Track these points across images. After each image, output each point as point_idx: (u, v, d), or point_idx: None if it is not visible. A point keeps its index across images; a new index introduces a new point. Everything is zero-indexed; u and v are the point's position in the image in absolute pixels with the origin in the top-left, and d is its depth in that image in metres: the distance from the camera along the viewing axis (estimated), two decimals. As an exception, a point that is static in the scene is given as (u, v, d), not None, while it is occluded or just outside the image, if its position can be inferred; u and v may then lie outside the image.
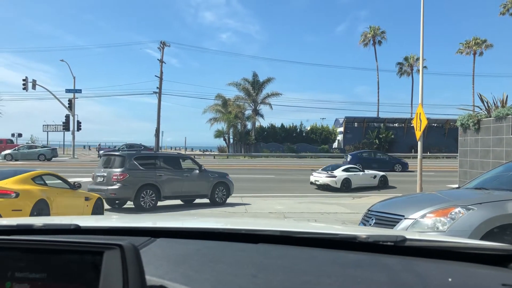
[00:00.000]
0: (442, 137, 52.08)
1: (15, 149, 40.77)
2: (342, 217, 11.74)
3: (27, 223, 1.54)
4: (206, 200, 14.49)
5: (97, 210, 10.54)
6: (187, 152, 55.21)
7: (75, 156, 44.89)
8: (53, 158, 39.67)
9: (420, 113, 17.67)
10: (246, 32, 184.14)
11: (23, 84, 40.75)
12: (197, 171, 14.37)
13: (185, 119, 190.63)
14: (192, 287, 1.04)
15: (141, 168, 13.08)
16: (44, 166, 32.21)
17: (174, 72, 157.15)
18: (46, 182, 9.20)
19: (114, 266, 0.94)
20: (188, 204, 14.53)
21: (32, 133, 64.13)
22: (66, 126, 46.06)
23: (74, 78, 45.75)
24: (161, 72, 53.02)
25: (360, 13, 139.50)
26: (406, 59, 64.12)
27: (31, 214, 7.95)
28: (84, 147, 70.24)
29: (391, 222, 4.64)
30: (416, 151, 50.45)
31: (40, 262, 1.00)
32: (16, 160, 37.42)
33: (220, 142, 56.61)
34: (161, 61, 53.64)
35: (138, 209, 12.59)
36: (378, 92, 62.81)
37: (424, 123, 17.28)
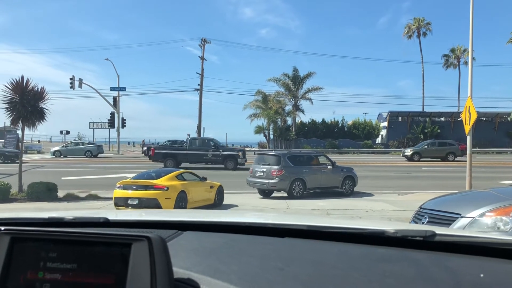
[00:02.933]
0: (492, 131, 49.78)
1: (63, 146, 42.37)
2: (388, 214, 11.34)
3: (58, 216, 1.60)
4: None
5: (219, 194, 13.45)
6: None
7: (120, 153, 46.07)
8: (99, 155, 40.85)
9: (469, 106, 16.88)
10: (285, 27, 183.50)
11: (70, 83, 42.15)
12: (331, 167, 16.52)
13: (226, 116, 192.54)
14: (219, 279, 1.05)
15: (292, 165, 15.62)
16: (90, 162, 33.25)
17: (214, 69, 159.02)
18: (184, 177, 12.43)
19: (142, 257, 0.96)
20: (322, 195, 15.88)
21: (79, 130, 66.53)
22: (111, 123, 47.13)
23: (118, 76, 46.87)
24: (202, 69, 53.56)
25: (402, 4, 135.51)
26: (452, 50, 61.66)
27: (176, 201, 11.25)
28: (129, 143, 72.05)
29: (447, 220, 4.37)
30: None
31: (71, 253, 1.03)
32: (65, 156, 38.76)
33: (260, 138, 56.57)
34: (202, 58, 54.17)
35: (290, 197, 15.07)
36: (423, 85, 60.80)
37: (474, 116, 16.48)
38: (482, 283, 1.09)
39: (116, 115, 45.94)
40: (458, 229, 3.90)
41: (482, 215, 4.21)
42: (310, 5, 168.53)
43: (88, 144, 43.05)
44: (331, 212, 11.77)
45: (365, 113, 62.00)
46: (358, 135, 53.17)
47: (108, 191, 16.27)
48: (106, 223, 1.52)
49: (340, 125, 55.44)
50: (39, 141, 58.46)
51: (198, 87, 53.50)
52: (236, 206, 13.43)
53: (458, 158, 32.82)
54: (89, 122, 57.18)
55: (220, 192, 13.39)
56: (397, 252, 1.28)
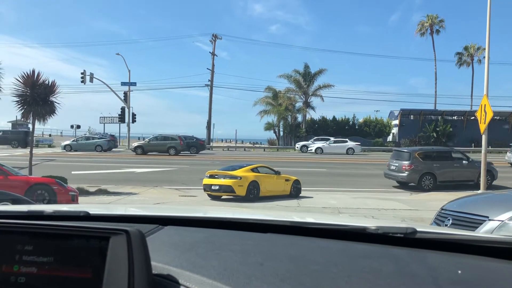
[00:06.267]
0: (506, 130, 49.04)
1: (73, 140, 42.48)
2: (401, 214, 11.11)
3: (38, 210, 1.57)
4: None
5: (296, 187, 14.63)
6: (237, 145, 55.43)
7: (130, 148, 46.15)
8: (112, 149, 40.96)
9: (485, 105, 16.52)
10: (296, 23, 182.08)
11: (81, 77, 42.28)
12: (466, 162, 17.90)
13: (236, 112, 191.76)
14: (198, 274, 1.04)
15: (421, 160, 17.35)
16: (101, 156, 33.32)
17: (224, 65, 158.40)
18: (259, 170, 14.28)
19: (120, 251, 0.95)
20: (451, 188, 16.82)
21: (90, 124, 66.80)
22: (121, 118, 47.24)
23: (129, 71, 46.95)
24: (213, 65, 53.52)
25: (414, 1, 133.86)
26: (466, 48, 60.86)
27: (248, 188, 13.27)
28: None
29: (473, 223, 4.11)
30: (476, 145, 48.75)
31: (47, 247, 1.01)
32: (76, 150, 38.87)
33: (270, 134, 56.41)
34: (213, 53, 54.11)
35: (419, 190, 16.73)
36: (436, 83, 59.98)
37: (490, 115, 16.13)
38: (459, 280, 1.10)
39: (126, 110, 46.06)
40: (486, 233, 3.69)
41: None
42: (320, 1, 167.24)
43: (99, 138, 43.14)
44: (343, 211, 11.57)
45: (376, 110, 61.40)
46: (369, 133, 52.76)
47: (118, 185, 16.26)
48: (87, 217, 1.52)
49: (351, 122, 55.08)
50: (50, 135, 58.70)
51: (209, 83, 53.48)
52: (311, 197, 14.46)
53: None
54: (100, 117, 57.36)
55: (296, 185, 14.70)
56: (378, 248, 1.29)
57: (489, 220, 3.99)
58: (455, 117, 53.60)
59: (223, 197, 13.76)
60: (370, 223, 1.42)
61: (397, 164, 17.74)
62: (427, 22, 59.55)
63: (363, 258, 1.21)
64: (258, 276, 1.06)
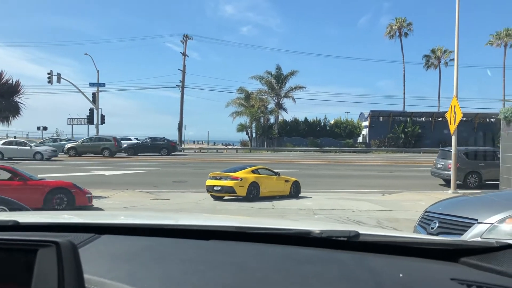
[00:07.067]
0: (472, 131, 50.43)
1: (40, 143, 41.06)
2: (376, 214, 11.11)
3: None
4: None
5: (295, 187, 15.07)
6: (209, 146, 55.03)
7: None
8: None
9: (454, 106, 16.85)
10: (266, 25, 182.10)
11: (48, 78, 41.07)
12: None
13: (208, 113, 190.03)
14: (137, 285, 1.00)
15: (467, 159, 18.30)
16: (69, 159, 32.35)
17: (195, 66, 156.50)
18: (259, 172, 14.80)
19: (49, 264, 0.89)
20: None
21: (57, 126, 65.04)
22: (90, 120, 46.23)
23: (98, 71, 45.91)
24: (184, 66, 52.97)
25: (383, 4, 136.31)
26: (433, 51, 62.33)
27: (248, 189, 13.74)
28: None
29: (461, 226, 3.93)
30: (444, 146, 49.71)
31: None
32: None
33: (243, 136, 56.17)
34: (184, 54, 53.57)
35: (465, 188, 16.99)
36: (404, 85, 61.30)
37: (459, 116, 16.47)
38: (401, 283, 1.10)
39: (95, 111, 45.08)
40: (474, 237, 3.57)
41: (502, 221, 3.80)
42: (290, 4, 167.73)
43: (66, 140, 42.01)
44: (317, 212, 11.50)
45: (347, 112, 61.73)
46: (340, 134, 53.28)
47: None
48: (16, 226, 1.42)
49: (322, 124, 55.45)
50: (15, 137, 56.83)
51: (180, 84, 52.87)
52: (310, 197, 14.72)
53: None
54: (68, 118, 56.00)
55: (296, 186, 15.20)
56: (322, 252, 1.29)
57: (478, 223, 3.82)
58: (423, 119, 54.78)
59: (225, 197, 14.21)
60: (315, 227, 1.41)
61: (443, 163, 18.58)
62: (395, 25, 60.72)
63: (307, 263, 1.19)
64: (201, 285, 1.04)
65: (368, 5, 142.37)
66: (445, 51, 61.19)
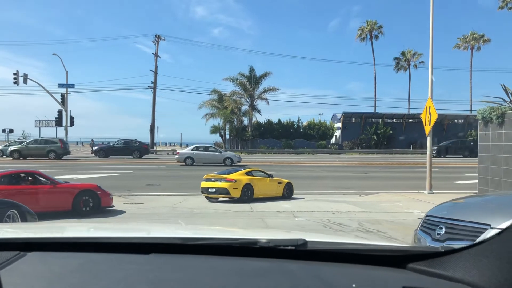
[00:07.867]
0: (441, 132, 51.53)
1: (5, 145, 39.78)
2: (356, 216, 10.98)
3: None
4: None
5: (288, 189, 15.40)
6: (182, 148, 54.28)
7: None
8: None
9: (429, 107, 16.99)
10: (238, 27, 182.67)
11: (14, 79, 39.72)
12: None
13: (181, 115, 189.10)
14: None
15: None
16: (38, 162, 31.24)
17: (167, 68, 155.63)
18: (253, 174, 14.98)
19: None
20: None
21: (24, 128, 63.05)
22: (58, 122, 44.96)
23: (66, 72, 44.78)
24: (156, 67, 52.17)
25: (352, 8, 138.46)
26: (403, 54, 63.61)
27: (242, 190, 13.95)
28: (77, 143, 69.17)
29: (472, 232, 3.54)
30: (415, 147, 50.44)
31: None
32: (7, 156, 36.29)
33: (216, 138, 55.79)
34: (156, 55, 52.76)
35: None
36: (375, 87, 62.19)
37: (434, 117, 16.61)
38: None
39: (64, 113, 43.91)
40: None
41: None
42: (262, 6, 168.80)
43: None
44: (297, 215, 11.31)
45: (320, 114, 62.53)
46: (313, 136, 53.59)
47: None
48: None
49: (295, 125, 55.70)
50: (-21, 140, 54.76)
51: (151, 85, 52.01)
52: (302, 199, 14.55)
53: (411, 159, 33.46)
54: (35, 120, 54.23)
55: (289, 187, 15.51)
56: (271, 264, 1.23)
57: (492, 228, 3.43)
58: (394, 120, 55.68)
59: (220, 199, 14.38)
60: (261, 235, 1.35)
61: None
62: (366, 28, 61.60)
63: (258, 277, 1.14)
64: None
65: (338, 8, 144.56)
66: (414, 54, 62.46)
